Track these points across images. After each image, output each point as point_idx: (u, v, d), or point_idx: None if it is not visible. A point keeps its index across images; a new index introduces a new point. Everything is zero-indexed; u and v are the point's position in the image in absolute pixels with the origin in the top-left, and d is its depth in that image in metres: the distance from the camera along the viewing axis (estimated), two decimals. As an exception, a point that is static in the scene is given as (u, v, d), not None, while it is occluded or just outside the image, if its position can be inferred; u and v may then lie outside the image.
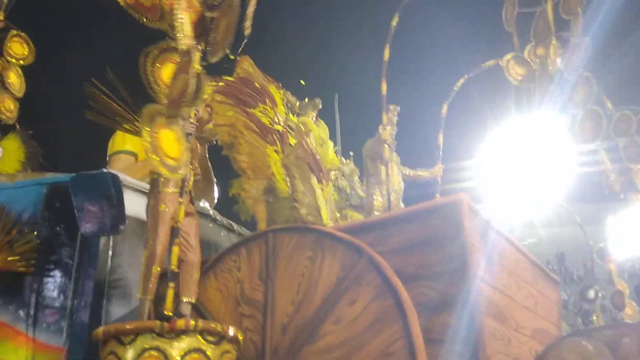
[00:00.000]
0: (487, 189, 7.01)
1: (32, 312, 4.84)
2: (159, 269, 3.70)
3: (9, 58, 5.25)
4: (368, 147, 5.78)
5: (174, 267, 3.48)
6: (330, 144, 6.28)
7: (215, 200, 6.81)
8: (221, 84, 5.94)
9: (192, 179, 4.01)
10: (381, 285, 3.83)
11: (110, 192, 4.45)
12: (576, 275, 12.57)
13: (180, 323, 3.35)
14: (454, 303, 3.76)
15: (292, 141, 5.55)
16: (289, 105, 6.43)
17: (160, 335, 3.34)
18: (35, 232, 5.03)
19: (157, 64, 3.74)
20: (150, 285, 3.72)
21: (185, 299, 3.79)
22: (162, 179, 4.05)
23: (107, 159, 6.65)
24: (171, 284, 3.45)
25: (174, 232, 3.61)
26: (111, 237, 5.01)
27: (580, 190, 7.12)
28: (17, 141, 8.85)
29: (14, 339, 4.82)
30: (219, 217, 6.26)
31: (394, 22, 5.50)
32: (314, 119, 6.26)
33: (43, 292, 4.89)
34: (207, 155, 6.91)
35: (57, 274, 4.93)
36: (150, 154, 3.39)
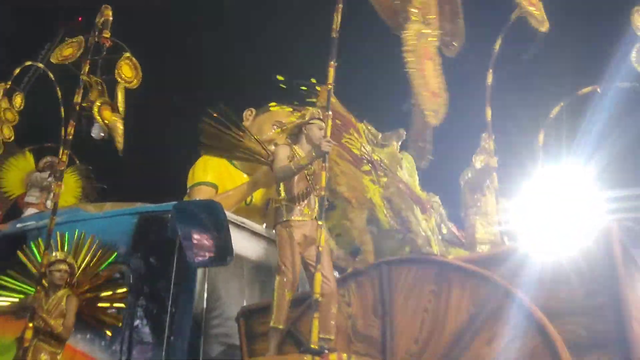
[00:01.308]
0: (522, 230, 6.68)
1: (125, 347, 4.58)
2: (290, 295, 3.48)
3: (118, 79, 5.14)
4: (467, 178, 5.49)
5: (317, 295, 3.22)
6: (416, 175, 6.04)
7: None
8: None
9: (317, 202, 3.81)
10: (524, 322, 3.51)
11: (218, 221, 4.22)
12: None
13: (333, 358, 3.08)
14: (606, 342, 3.42)
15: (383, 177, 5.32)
16: (370, 136, 6.22)
17: (311, 370, 3.07)
18: (128, 266, 4.82)
19: None
20: (283, 314, 3.49)
21: (322, 336, 3.51)
22: (284, 205, 3.86)
23: (188, 190, 6.44)
24: (315, 315, 3.18)
25: (316, 257, 3.37)
26: (207, 270, 4.79)
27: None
28: (75, 176, 8.81)
29: (107, 376, 4.57)
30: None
31: (497, 46, 5.27)
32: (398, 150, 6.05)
33: (138, 327, 4.64)
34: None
35: (152, 308, 4.67)
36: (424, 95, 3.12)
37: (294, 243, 3.73)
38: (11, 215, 8.56)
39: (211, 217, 4.19)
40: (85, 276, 4.74)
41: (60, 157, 5.43)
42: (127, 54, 5.16)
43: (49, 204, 8.34)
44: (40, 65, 7.63)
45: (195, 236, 4.12)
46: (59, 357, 4.37)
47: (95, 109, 4.94)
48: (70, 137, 4.99)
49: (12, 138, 8.10)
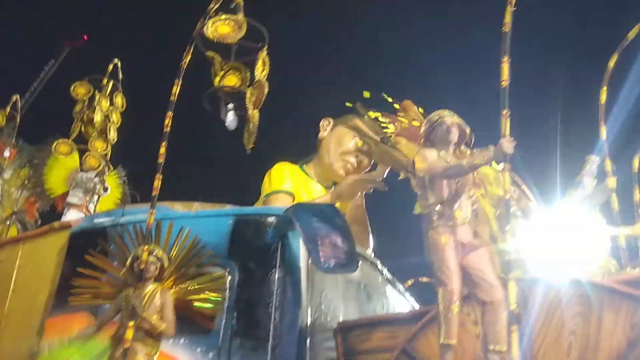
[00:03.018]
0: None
1: (223, 357, 4.26)
2: (458, 307, 3.23)
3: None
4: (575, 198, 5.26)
5: (513, 307, 2.96)
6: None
7: (371, 250, 6.32)
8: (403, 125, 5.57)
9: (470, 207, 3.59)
10: (698, 351, 3.26)
11: (343, 225, 3.95)
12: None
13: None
14: None
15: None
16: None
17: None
18: (225, 269, 4.51)
19: None
20: (453, 328, 3.23)
21: (492, 347, 3.25)
22: (435, 210, 3.61)
23: (264, 198, 6.16)
24: (513, 327, 2.92)
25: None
26: (310, 279, 4.50)
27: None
28: (116, 180, 8.53)
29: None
30: (385, 270, 5.73)
31: (612, 63, 5.08)
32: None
33: (237, 334, 4.31)
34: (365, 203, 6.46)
35: (252, 315, 4.36)
36: None
37: (448, 249, 3.48)
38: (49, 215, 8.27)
39: (339, 220, 3.93)
40: (181, 272, 4.43)
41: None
42: (264, 52, 4.87)
43: (91, 206, 8.02)
44: (118, 63, 7.46)
45: (325, 240, 3.84)
46: (155, 357, 4.05)
47: (248, 97, 4.61)
48: (168, 129, 4.72)
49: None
